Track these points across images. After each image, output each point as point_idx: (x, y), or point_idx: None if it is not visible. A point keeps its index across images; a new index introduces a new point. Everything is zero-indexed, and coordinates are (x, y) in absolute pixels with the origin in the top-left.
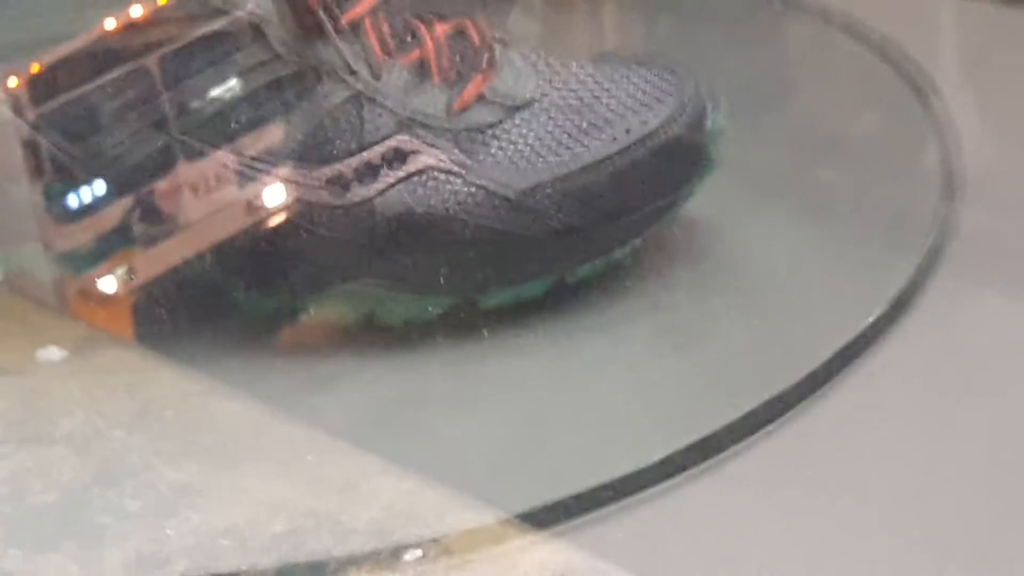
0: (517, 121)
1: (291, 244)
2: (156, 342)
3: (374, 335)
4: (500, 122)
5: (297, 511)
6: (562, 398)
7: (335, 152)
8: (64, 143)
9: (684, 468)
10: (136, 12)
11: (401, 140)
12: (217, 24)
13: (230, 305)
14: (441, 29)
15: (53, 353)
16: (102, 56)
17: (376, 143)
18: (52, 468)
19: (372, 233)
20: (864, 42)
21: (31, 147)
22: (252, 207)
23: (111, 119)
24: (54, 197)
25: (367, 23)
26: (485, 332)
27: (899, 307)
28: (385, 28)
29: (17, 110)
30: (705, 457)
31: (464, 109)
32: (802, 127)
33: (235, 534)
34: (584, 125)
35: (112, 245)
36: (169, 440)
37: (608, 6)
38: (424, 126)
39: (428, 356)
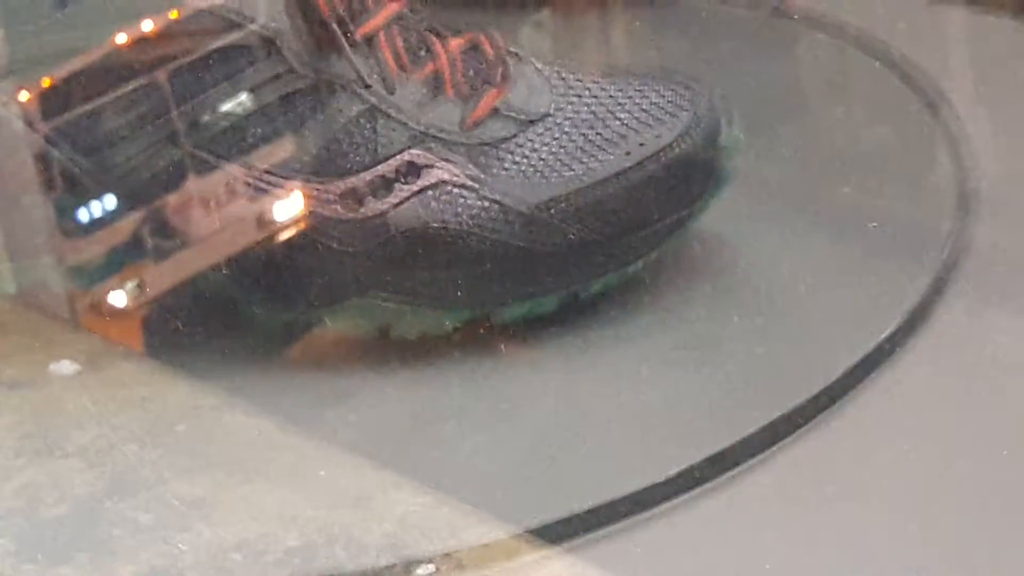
0: (531, 135)
1: (305, 258)
2: (169, 355)
3: (389, 349)
4: (514, 136)
5: (310, 525)
6: (576, 412)
7: (349, 166)
8: (77, 157)
9: (700, 482)
10: (149, 26)
11: (415, 154)
12: (230, 38)
13: (244, 319)
14: (455, 43)
15: (66, 366)
16: (115, 70)
17: (390, 157)
18: (65, 481)
19: (386, 247)
20: (878, 57)
21: (44, 161)
22: (265, 220)
23: (124, 133)
24: (67, 211)
25: (381, 37)
26: (500, 346)
27: (914, 321)
28: (399, 42)
29: (30, 123)
30: (721, 471)
31: (478, 123)
32: (816, 142)
33: (248, 548)
34: (598, 139)
35: (125, 258)
36: (182, 454)
37: (621, 21)
38: (438, 140)
39: (443, 370)
